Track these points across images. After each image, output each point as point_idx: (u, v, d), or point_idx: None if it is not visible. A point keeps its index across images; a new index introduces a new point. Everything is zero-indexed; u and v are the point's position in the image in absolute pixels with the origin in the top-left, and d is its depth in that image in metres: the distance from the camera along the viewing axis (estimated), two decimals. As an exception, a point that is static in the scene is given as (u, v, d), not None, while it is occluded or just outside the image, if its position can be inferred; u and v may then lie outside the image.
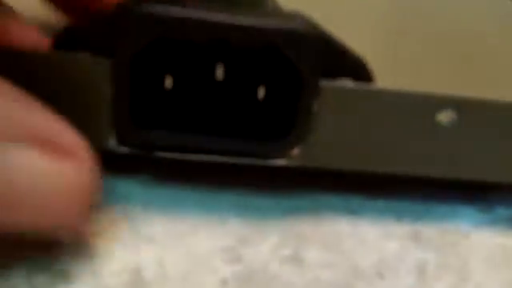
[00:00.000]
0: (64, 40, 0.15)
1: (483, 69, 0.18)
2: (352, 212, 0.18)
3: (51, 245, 0.15)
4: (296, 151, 0.16)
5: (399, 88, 0.16)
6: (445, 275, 0.16)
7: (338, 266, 0.16)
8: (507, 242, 0.17)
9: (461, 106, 0.16)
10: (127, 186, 0.17)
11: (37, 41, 0.17)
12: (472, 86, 0.17)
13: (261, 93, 0.16)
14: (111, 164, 0.17)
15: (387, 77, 0.17)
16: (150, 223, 0.16)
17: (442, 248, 0.17)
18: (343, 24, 0.20)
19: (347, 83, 0.16)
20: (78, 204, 0.13)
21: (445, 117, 0.16)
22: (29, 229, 0.13)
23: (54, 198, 0.13)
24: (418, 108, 0.16)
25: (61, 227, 0.14)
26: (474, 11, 0.22)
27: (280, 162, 0.16)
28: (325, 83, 0.15)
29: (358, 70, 0.16)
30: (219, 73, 0.16)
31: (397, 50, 0.19)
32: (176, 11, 0.14)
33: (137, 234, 0.16)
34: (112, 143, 0.16)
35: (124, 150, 0.16)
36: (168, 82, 0.16)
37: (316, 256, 0.16)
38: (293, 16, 0.15)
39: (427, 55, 0.19)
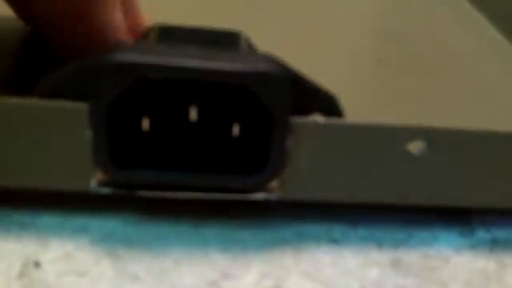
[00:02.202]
0: (45, 87, 0.16)
1: (458, 97, 0.19)
2: (334, 241, 0.18)
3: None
4: (273, 185, 0.17)
5: (368, 121, 0.16)
6: (425, 301, 0.17)
7: (319, 295, 0.16)
8: (488, 265, 0.18)
9: (430, 135, 0.16)
10: (111, 224, 0.18)
11: None
12: (447, 114, 0.18)
13: (235, 130, 0.17)
14: (95, 204, 0.18)
15: (366, 106, 0.18)
16: (134, 261, 0.17)
17: (422, 273, 0.17)
18: (325, 56, 0.21)
19: (318, 119, 0.16)
20: None
21: (415, 147, 0.16)
22: None
23: None
24: (387, 140, 0.16)
25: None
26: (453, 40, 0.23)
27: (259, 195, 0.17)
28: (296, 119, 0.16)
29: (328, 105, 0.16)
30: (193, 114, 0.16)
31: (375, 79, 0.20)
32: (149, 59, 0.15)
33: (122, 273, 0.16)
34: (94, 185, 0.16)
35: (106, 190, 0.16)
36: (145, 124, 0.16)
37: (297, 286, 0.17)
38: (263, 58, 0.16)
39: (404, 84, 0.19)
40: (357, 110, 0.17)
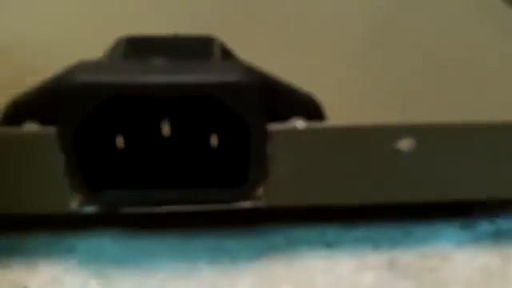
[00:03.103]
0: (11, 114, 0.15)
1: (449, 89, 0.18)
2: (327, 245, 0.17)
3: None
4: (259, 192, 0.16)
5: (349, 123, 0.15)
6: (424, 303, 0.16)
7: (312, 305, 0.16)
8: (490, 260, 0.17)
9: (419, 132, 0.15)
10: (99, 243, 0.17)
11: None
12: (437, 108, 0.17)
13: (213, 141, 0.16)
14: (82, 224, 0.17)
15: (354, 102, 0.17)
16: (122, 280, 0.16)
17: (420, 275, 0.16)
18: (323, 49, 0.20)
19: (298, 124, 0.15)
20: None
21: (404, 144, 0.16)
22: None
23: None
24: (374, 140, 0.15)
25: None
26: (447, 29, 0.21)
27: (245, 204, 0.16)
28: (274, 126, 0.15)
29: (309, 109, 0.15)
30: (166, 128, 0.16)
31: (364, 73, 0.18)
32: (111, 78, 0.14)
33: (109, 293, 0.16)
34: (74, 206, 0.16)
35: (87, 210, 0.16)
36: (119, 142, 0.16)
37: (289, 297, 0.16)
38: (233, 67, 0.15)
39: (394, 78, 0.18)
40: (344, 107, 0.16)
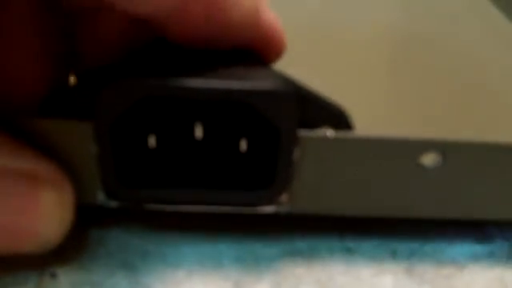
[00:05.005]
0: (50, 105, 0.16)
1: (475, 107, 0.18)
2: (347, 250, 0.18)
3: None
4: (283, 198, 0.17)
5: (378, 134, 0.16)
6: (440, 310, 0.16)
7: (332, 305, 0.16)
8: (505, 274, 0.17)
9: (444, 148, 0.16)
10: (126, 236, 0.18)
11: None
12: (462, 126, 0.17)
13: (243, 145, 0.16)
14: (108, 215, 0.18)
15: (378, 116, 0.17)
16: (147, 272, 0.17)
17: (436, 282, 0.17)
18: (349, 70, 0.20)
19: (327, 132, 0.16)
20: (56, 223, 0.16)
21: (428, 159, 0.16)
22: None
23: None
24: (399, 153, 0.16)
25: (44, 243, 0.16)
26: (471, 46, 0.22)
27: (268, 209, 0.17)
28: (304, 133, 0.16)
29: (337, 119, 0.16)
30: (198, 131, 0.16)
31: (388, 89, 0.19)
32: (149, 80, 0.15)
33: (135, 284, 0.17)
34: (101, 198, 0.16)
35: (114, 204, 0.17)
36: (151, 141, 0.16)
37: (310, 297, 0.17)
38: (268, 75, 0.15)
39: (419, 94, 0.19)
40: (369, 120, 0.17)
